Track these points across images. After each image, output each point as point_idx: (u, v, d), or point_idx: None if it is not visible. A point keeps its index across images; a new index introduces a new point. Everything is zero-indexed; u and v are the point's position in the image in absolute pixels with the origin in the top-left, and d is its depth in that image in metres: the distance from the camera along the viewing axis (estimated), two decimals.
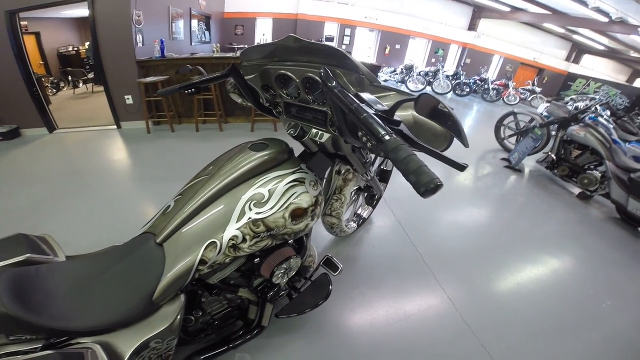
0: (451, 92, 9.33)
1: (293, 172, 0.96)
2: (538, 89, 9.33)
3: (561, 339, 1.54)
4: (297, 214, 0.93)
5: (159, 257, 0.88)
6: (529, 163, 3.88)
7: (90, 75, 7.12)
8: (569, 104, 5.74)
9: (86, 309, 0.83)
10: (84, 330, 0.81)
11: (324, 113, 0.95)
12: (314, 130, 1.00)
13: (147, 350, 0.88)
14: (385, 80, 10.23)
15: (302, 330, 1.46)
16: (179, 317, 0.90)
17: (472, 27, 11.36)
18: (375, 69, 4.34)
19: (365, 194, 2.06)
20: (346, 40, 10.85)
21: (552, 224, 2.61)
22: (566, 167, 3.28)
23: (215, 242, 0.86)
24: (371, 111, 0.65)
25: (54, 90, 6.68)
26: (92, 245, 1.10)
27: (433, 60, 11.31)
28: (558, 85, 12.10)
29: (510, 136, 4.23)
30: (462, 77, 9.38)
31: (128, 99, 4.03)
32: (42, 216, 2.21)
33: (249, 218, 0.88)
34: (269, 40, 8.42)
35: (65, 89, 7.09)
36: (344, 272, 1.75)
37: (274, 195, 0.90)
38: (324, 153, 1.12)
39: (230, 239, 0.87)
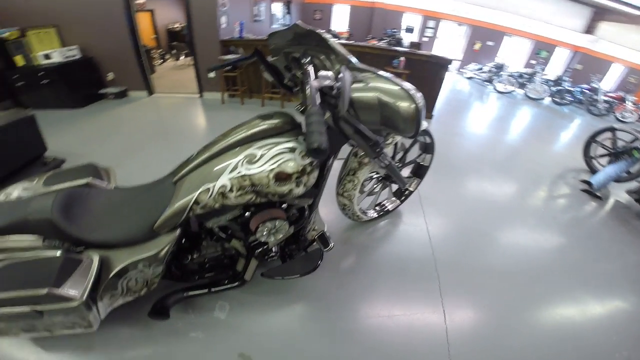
0: (549, 98, 8.09)
1: (288, 141, 1.06)
2: None
3: None
4: (281, 177, 1.03)
5: (170, 193, 1.08)
6: (617, 192, 3.24)
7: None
8: None
9: (104, 227, 1.06)
10: (96, 242, 1.03)
11: None
12: None
13: (135, 271, 1.06)
14: (470, 78, 9.39)
15: (287, 296, 1.54)
16: (167, 247, 1.07)
17: (590, 30, 9.57)
18: (445, 62, 4.03)
19: (396, 189, 2.04)
20: (429, 32, 10.22)
21: (615, 264, 2.16)
22: None
23: (209, 187, 1.02)
24: (316, 85, 0.81)
25: (161, 60, 7.85)
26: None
27: (533, 62, 9.93)
28: None
29: (602, 156, 3.57)
30: (566, 84, 8.06)
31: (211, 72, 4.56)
32: (127, 157, 2.76)
33: (239, 172, 1.01)
34: (347, 27, 8.55)
35: (169, 60, 8.27)
36: (347, 255, 1.79)
37: (264, 157, 1.02)
38: (341, 133, 1.18)
39: (220, 187, 1.01)
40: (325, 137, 0.68)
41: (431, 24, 10.22)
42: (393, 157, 1.77)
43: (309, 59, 0.88)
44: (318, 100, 0.75)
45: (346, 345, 1.38)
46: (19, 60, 4.21)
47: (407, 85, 0.91)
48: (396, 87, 0.90)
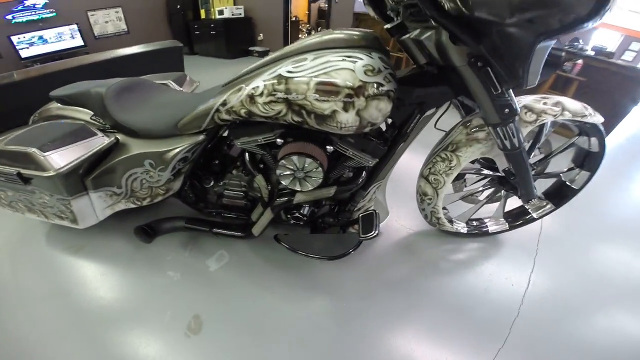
0: None
1: (354, 52, 0.76)
2: None
3: None
4: (325, 90, 0.73)
5: (214, 96, 0.92)
6: None
7: None
8: None
9: (138, 114, 1.02)
10: (123, 125, 1.00)
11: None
12: (416, 31, 0.75)
13: (141, 169, 0.99)
14: None
15: (299, 279, 1.19)
16: (179, 149, 0.95)
17: None
18: None
19: (512, 209, 1.41)
20: (628, 55, 7.67)
21: None
22: None
23: (242, 87, 0.83)
24: None
25: (306, 34, 8.49)
26: None
27: None
28: None
29: None
30: None
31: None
32: None
33: (278, 73, 0.77)
34: None
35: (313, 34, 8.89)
36: (400, 264, 1.29)
37: (315, 61, 0.76)
38: (448, 83, 0.85)
39: (252, 88, 0.80)
40: None
41: (635, 46, 7.67)
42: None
43: None
44: None
45: None
46: (202, 13, 5.15)
47: None
48: None
